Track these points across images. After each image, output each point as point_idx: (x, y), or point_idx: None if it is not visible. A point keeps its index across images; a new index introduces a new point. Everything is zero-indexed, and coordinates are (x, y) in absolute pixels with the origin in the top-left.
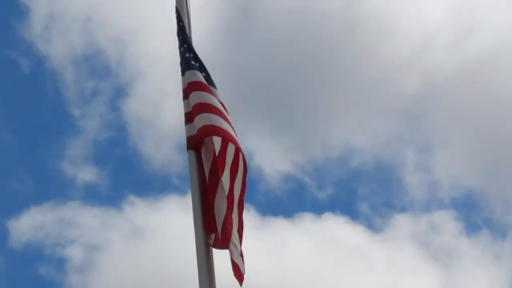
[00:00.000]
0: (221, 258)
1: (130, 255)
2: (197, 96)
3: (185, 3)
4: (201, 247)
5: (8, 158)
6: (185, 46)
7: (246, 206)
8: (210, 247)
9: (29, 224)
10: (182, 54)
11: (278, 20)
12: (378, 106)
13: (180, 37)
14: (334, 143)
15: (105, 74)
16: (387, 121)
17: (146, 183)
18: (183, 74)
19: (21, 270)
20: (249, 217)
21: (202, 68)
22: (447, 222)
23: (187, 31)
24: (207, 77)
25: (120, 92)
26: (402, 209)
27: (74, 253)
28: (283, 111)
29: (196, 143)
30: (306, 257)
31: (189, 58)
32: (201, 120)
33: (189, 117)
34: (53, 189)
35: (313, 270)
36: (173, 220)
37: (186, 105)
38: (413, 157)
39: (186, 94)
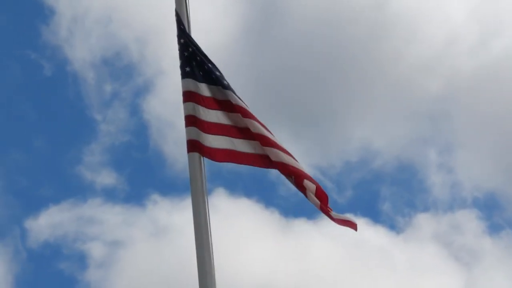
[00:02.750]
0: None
1: (152, 253)
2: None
3: (184, 6)
4: (201, 248)
5: (29, 161)
6: (190, 50)
7: (269, 209)
8: (210, 248)
9: (50, 222)
10: (186, 58)
11: (301, 23)
12: (400, 108)
13: (182, 41)
14: (355, 145)
15: (127, 74)
16: (409, 123)
17: (169, 183)
18: (184, 77)
19: (42, 266)
20: (272, 220)
21: (215, 68)
22: (469, 222)
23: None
24: (218, 78)
25: (141, 93)
26: (424, 209)
27: (96, 249)
28: (303, 114)
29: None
30: (328, 259)
31: (198, 65)
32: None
33: (190, 121)
34: (75, 190)
35: (335, 271)
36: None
37: (187, 108)
38: (435, 157)
39: (203, 103)
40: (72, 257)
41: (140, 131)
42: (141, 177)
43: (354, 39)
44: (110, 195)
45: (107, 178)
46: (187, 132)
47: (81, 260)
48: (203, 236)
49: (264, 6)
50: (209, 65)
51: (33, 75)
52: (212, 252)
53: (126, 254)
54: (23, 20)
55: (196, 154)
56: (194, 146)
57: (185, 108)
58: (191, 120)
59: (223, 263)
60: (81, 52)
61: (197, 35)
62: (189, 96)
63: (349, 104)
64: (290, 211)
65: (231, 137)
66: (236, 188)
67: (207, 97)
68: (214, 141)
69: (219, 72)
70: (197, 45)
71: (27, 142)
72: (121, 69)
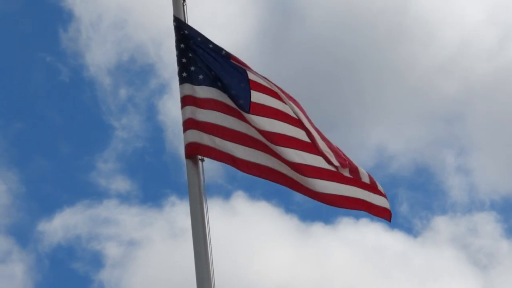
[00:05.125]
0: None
1: (168, 255)
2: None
3: (182, 13)
4: (200, 250)
5: (48, 166)
6: (190, 55)
7: (288, 214)
8: (209, 256)
9: (65, 224)
10: (183, 64)
11: (319, 26)
12: (416, 111)
13: (182, 45)
14: (371, 148)
15: (142, 78)
16: (425, 126)
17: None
18: (182, 83)
19: (57, 267)
20: (291, 224)
21: (223, 68)
22: (487, 225)
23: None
24: (228, 84)
25: (158, 95)
26: (442, 212)
27: (112, 249)
28: (319, 117)
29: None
30: (345, 263)
31: (199, 70)
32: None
33: (188, 126)
34: (92, 195)
35: (353, 276)
36: (214, 224)
37: (184, 113)
38: (451, 160)
39: (200, 104)
40: (87, 257)
41: (157, 134)
42: (158, 180)
43: (371, 42)
44: (127, 198)
45: (122, 183)
46: (185, 137)
47: (97, 260)
48: (201, 243)
49: (282, 8)
50: (219, 66)
51: (51, 80)
52: (212, 259)
53: (142, 255)
54: (41, 24)
55: (194, 159)
56: (191, 150)
57: (182, 114)
58: (189, 125)
59: (241, 266)
60: (97, 56)
61: (215, 35)
62: (186, 101)
63: (365, 107)
64: (307, 216)
65: (232, 141)
66: (255, 191)
67: (207, 99)
68: (214, 141)
69: (230, 68)
70: (204, 42)
71: (46, 148)
72: (137, 72)
